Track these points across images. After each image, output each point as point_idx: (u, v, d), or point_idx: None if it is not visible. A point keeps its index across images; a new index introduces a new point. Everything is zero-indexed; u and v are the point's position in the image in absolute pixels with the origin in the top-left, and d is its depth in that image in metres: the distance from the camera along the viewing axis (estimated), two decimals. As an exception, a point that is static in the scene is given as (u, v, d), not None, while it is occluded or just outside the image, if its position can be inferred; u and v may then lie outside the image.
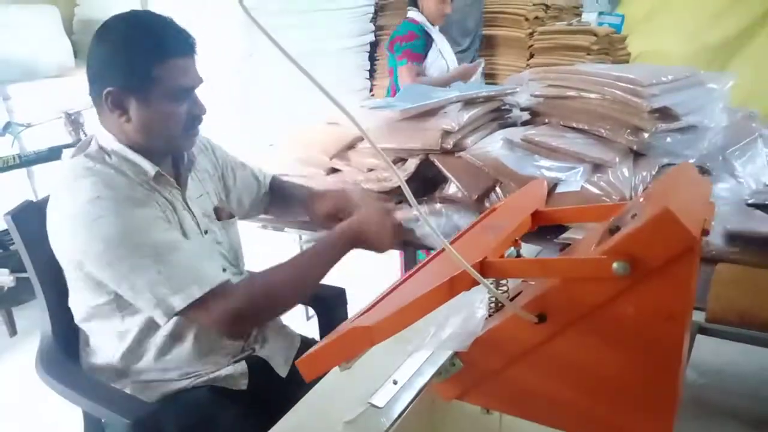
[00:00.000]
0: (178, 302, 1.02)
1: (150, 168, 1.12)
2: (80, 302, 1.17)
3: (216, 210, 1.29)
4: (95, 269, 1.05)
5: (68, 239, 1.06)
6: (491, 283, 0.74)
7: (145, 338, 1.16)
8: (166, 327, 1.14)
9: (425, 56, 2.74)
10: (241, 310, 1.05)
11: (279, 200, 1.52)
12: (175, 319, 1.07)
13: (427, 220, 0.67)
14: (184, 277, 1.02)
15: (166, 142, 1.12)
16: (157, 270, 1.01)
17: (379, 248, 1.23)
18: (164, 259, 1.02)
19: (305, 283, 1.14)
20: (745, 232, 1.29)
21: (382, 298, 0.72)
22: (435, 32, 2.79)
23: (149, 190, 1.12)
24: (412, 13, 2.79)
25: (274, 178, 1.54)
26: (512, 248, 0.83)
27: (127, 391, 1.16)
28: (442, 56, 2.79)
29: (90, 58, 1.07)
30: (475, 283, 0.67)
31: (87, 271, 1.07)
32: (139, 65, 1.03)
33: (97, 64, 1.07)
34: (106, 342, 1.18)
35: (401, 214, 1.34)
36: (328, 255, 1.15)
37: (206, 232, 1.22)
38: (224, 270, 1.22)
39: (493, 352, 0.73)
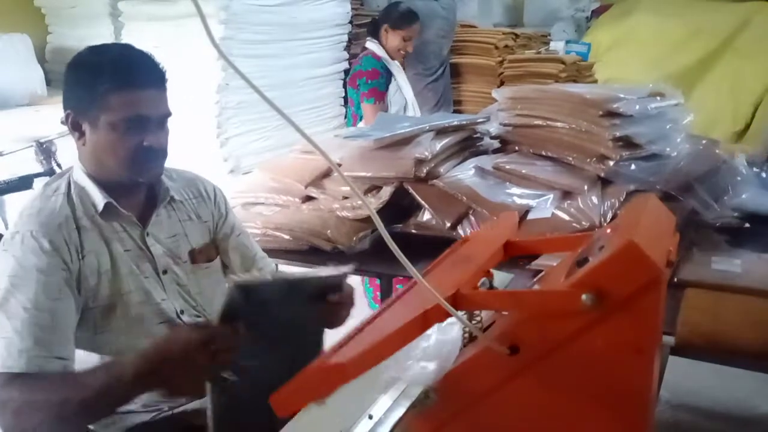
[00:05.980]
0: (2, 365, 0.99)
1: (100, 200, 1.10)
2: None
3: (191, 252, 1.23)
4: None
5: None
6: (464, 315, 0.75)
7: None
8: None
9: (386, 92, 2.82)
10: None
11: None
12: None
13: (399, 253, 0.68)
14: (18, 344, 0.98)
15: (115, 169, 1.09)
16: (8, 322, 1.00)
17: (176, 392, 0.99)
18: (20, 317, 0.99)
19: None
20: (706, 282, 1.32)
21: (357, 332, 0.72)
22: (394, 67, 2.82)
23: (88, 226, 1.09)
24: (372, 45, 2.80)
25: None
26: (485, 279, 0.84)
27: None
28: (401, 92, 2.85)
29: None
30: (449, 314, 0.68)
31: None
32: (91, 89, 1.05)
33: (64, 86, 1.10)
34: None
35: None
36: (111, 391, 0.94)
37: (165, 272, 1.18)
38: (161, 322, 1.13)
39: (466, 385, 0.73)
